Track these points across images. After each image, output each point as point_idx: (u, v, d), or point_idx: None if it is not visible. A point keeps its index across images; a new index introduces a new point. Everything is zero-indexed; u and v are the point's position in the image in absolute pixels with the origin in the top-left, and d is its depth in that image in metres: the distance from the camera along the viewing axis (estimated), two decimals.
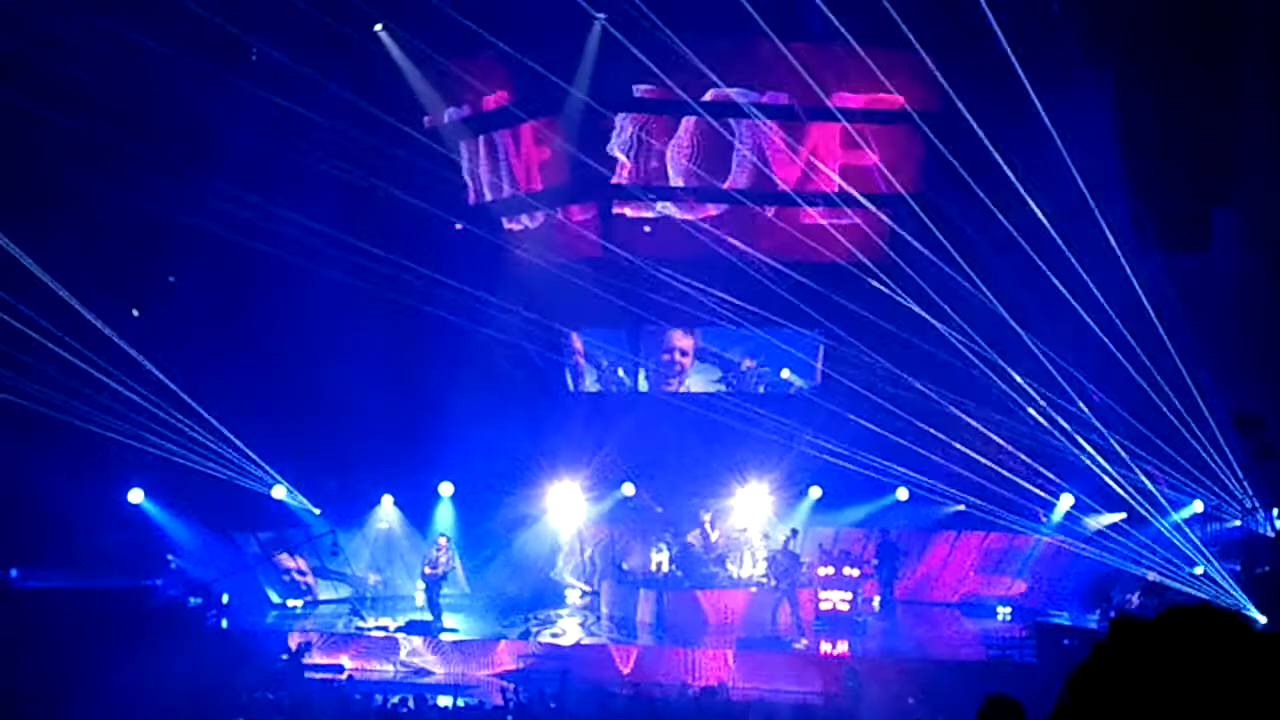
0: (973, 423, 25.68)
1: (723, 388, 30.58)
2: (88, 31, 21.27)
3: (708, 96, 27.01)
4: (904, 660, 23.41)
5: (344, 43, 25.74)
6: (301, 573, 27.75)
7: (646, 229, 27.89)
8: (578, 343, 30.67)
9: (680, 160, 27.41)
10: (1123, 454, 24.04)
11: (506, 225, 29.23)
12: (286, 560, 27.61)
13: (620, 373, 31.05)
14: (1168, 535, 24.43)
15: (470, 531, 27.90)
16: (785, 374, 30.31)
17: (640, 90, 26.85)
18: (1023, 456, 25.46)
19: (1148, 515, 24.56)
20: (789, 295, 25.88)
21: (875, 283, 25.51)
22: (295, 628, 24.79)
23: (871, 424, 25.54)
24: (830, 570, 26.15)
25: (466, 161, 29.14)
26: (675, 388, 30.63)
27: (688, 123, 27.49)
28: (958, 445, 25.87)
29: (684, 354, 30.70)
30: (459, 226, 28.16)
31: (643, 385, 30.73)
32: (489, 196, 29.04)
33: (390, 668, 23.65)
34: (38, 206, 22.97)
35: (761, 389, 30.54)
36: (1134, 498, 24.50)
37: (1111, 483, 24.49)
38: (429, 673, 23.45)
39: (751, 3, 20.55)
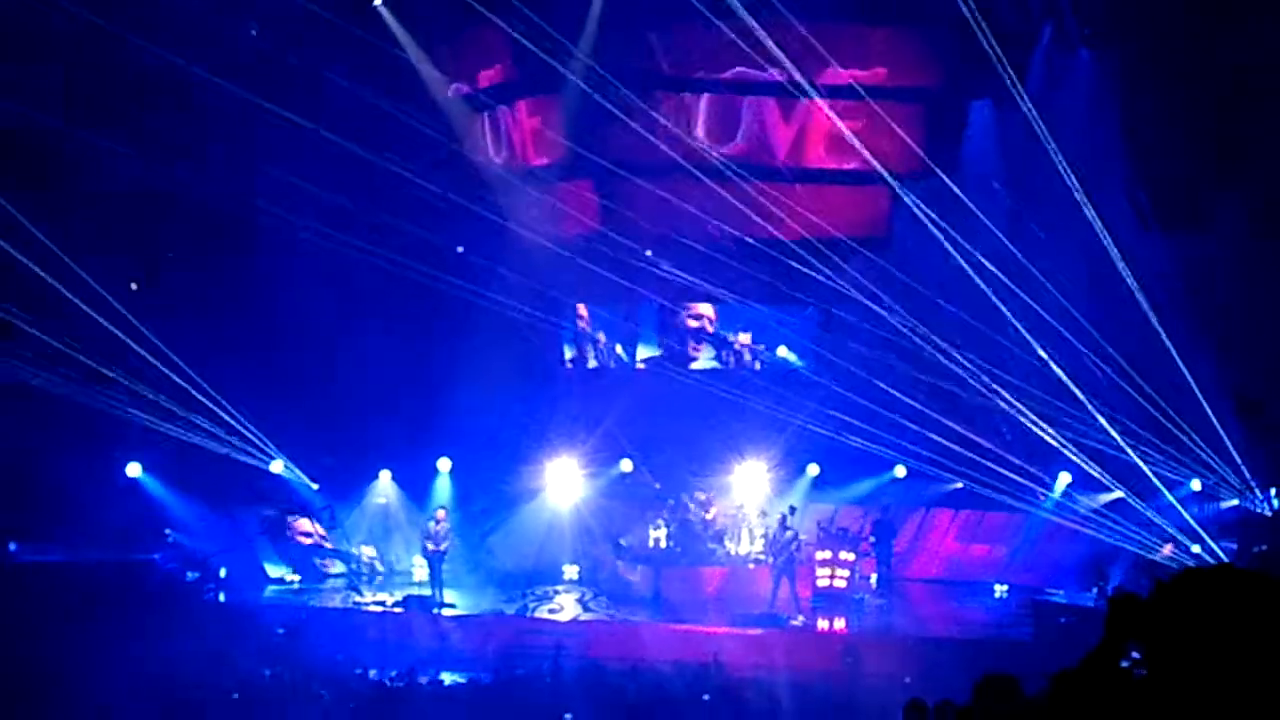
0: (971, 399, 25.66)
1: (717, 365, 30.58)
2: (91, 6, 21.17)
3: (709, 74, 26.99)
4: (901, 638, 23.48)
5: (345, 16, 25.67)
6: (318, 535, 27.80)
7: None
8: (584, 312, 30.66)
9: (682, 135, 27.34)
10: (1120, 433, 24.04)
11: (510, 197, 29.15)
12: (303, 524, 27.63)
13: (619, 349, 31.05)
14: (1165, 514, 24.47)
15: (468, 507, 27.91)
16: (782, 351, 30.28)
17: (642, 65, 26.79)
18: (1029, 417, 25.33)
19: (1145, 494, 24.58)
20: (787, 271, 25.86)
21: (874, 258, 25.52)
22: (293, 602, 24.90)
23: (869, 401, 25.54)
24: (827, 554, 26.20)
25: (467, 136, 29.09)
26: (692, 351, 30.57)
27: (689, 99, 27.43)
28: (955, 422, 25.86)
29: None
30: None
31: (653, 352, 30.72)
32: (494, 168, 28.96)
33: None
34: (35, 180, 22.89)
35: (758, 365, 30.54)
36: (1131, 476, 24.51)
37: (1109, 461, 24.51)
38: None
39: None
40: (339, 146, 23.95)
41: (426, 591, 24.94)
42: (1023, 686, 6.77)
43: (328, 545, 27.76)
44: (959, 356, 24.82)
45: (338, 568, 27.67)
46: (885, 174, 25.80)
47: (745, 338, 30.55)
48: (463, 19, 24.98)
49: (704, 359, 30.82)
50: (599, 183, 27.91)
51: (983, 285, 23.63)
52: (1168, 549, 24.25)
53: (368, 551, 27.69)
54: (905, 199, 24.96)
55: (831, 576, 26.13)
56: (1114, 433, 24.00)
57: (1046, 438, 24.94)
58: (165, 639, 19.49)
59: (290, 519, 27.52)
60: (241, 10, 24.22)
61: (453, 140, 28.35)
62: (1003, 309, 23.76)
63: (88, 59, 22.22)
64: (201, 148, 23.49)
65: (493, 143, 29.05)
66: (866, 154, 25.36)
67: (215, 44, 22.92)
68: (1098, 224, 23.40)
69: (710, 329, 30.65)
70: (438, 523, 25.37)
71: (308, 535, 27.80)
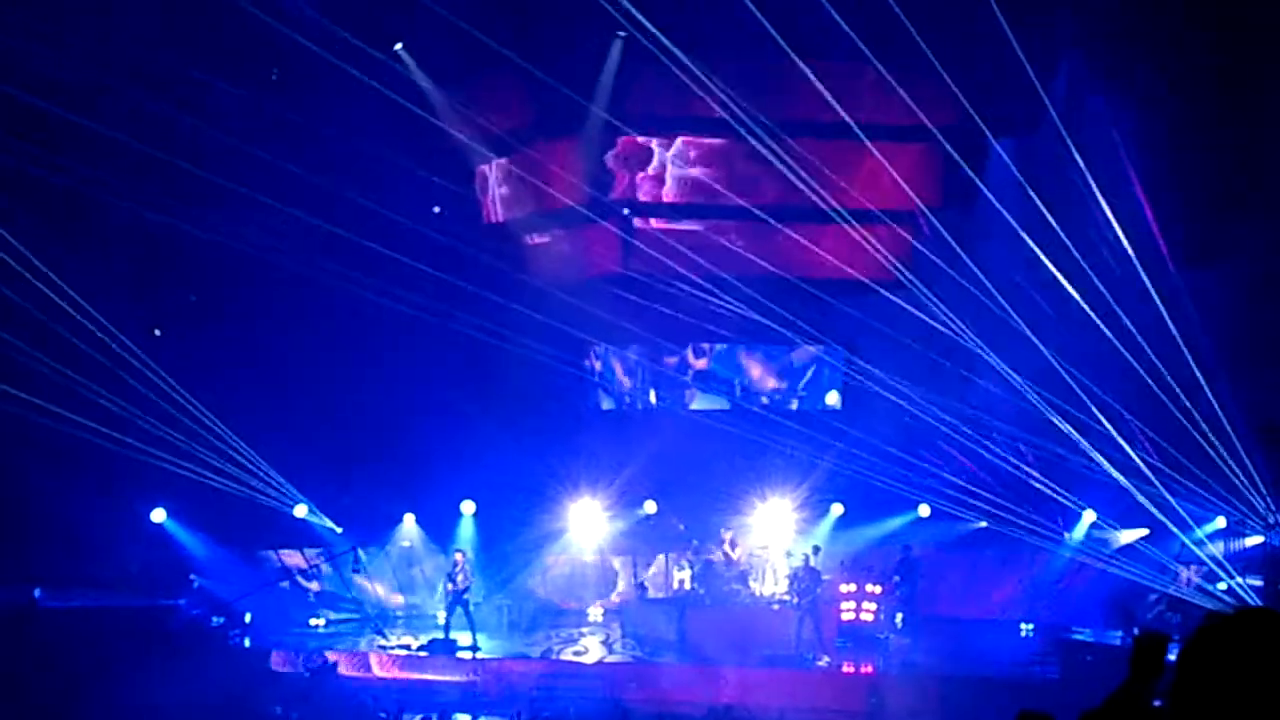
0: (993, 438, 25.60)
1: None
2: (112, 51, 21.37)
3: (727, 114, 27.08)
4: (926, 677, 23.32)
5: (364, 62, 25.86)
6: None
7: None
8: (614, 360, 30.69)
9: (701, 177, 27.43)
10: (1145, 469, 23.93)
11: (529, 241, 29.24)
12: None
13: (652, 395, 31.03)
14: (1190, 550, 24.33)
15: (492, 549, 27.89)
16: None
17: (660, 109, 26.93)
18: (1052, 453, 25.21)
19: (1170, 530, 24.45)
20: (812, 311, 25.90)
21: (896, 299, 25.50)
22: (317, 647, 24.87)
23: (893, 441, 25.48)
24: (853, 586, 26.12)
25: (485, 179, 29.22)
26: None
27: (706, 141, 27.53)
28: (979, 461, 25.78)
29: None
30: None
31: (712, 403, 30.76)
32: (511, 214, 29.07)
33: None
34: (59, 226, 23.05)
35: (795, 401, 30.35)
36: (1156, 514, 24.38)
37: (1134, 499, 24.39)
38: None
39: (770, 23, 20.57)
40: (363, 192, 24.09)
41: (451, 635, 24.90)
42: None
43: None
44: (980, 390, 24.80)
45: (355, 612, 27.66)
46: (906, 212, 25.86)
47: (771, 382, 30.43)
48: (484, 63, 25.10)
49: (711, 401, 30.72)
50: (621, 225, 27.98)
51: (1005, 319, 23.61)
52: (1195, 576, 24.15)
53: (393, 596, 27.69)
54: (926, 236, 24.99)
55: (857, 610, 26.05)
56: (1142, 466, 23.89)
57: (1069, 476, 24.88)
58: (190, 684, 19.47)
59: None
60: (263, 56, 24.36)
61: (470, 184, 28.51)
62: (1031, 341, 23.71)
63: (106, 106, 22.39)
64: (225, 193, 23.59)
65: (509, 186, 29.12)
66: (893, 194, 25.46)
67: (236, 89, 23.07)
68: (1120, 254, 23.39)
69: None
70: (457, 565, 25.36)
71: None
